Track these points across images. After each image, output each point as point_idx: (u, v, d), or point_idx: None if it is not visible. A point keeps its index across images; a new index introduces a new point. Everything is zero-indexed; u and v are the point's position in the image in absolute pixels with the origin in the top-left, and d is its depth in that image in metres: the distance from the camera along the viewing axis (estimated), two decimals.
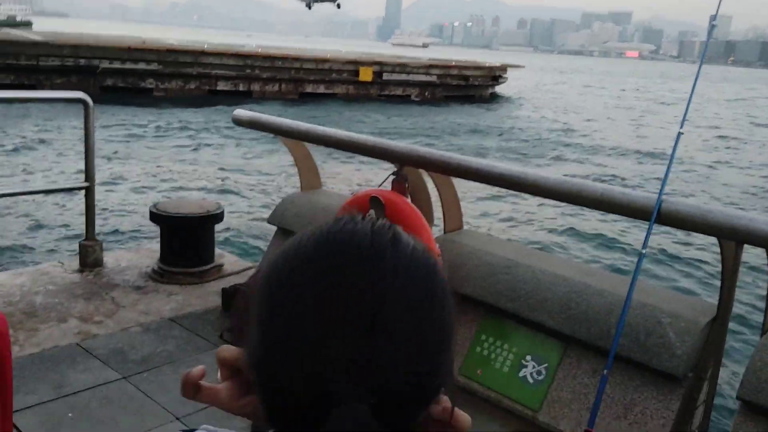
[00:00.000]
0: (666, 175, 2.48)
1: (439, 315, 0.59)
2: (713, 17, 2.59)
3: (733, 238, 2.27)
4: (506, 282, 2.98)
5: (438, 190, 3.31)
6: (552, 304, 2.82)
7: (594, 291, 2.79)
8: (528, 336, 2.89)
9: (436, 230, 3.41)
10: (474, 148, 20.54)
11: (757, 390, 2.19)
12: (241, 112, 3.89)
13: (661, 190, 2.36)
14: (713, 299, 2.66)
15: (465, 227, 3.50)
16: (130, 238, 8.02)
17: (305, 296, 0.57)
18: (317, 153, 4.14)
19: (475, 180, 2.99)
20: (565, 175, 3.01)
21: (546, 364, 2.79)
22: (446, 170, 3.08)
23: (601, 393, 2.14)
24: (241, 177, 12.66)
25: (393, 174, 3.30)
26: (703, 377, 2.48)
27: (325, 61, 31.67)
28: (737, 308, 2.47)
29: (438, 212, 3.48)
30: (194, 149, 15.96)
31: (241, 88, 29.27)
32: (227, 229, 8.13)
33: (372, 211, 3.19)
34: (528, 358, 2.84)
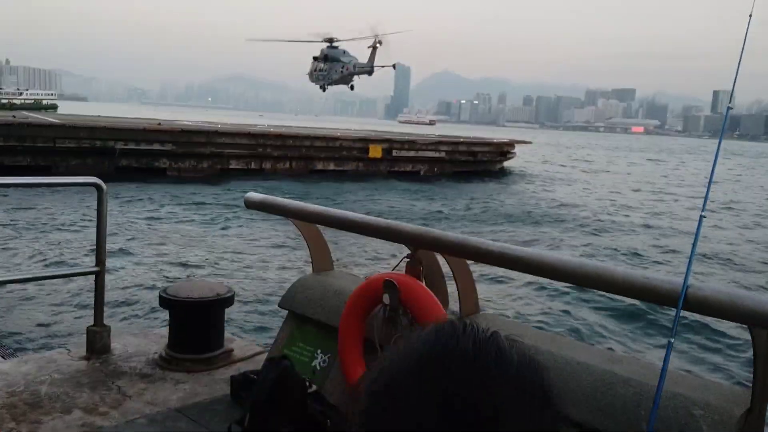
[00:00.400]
0: (690, 259, 2.41)
1: (549, 423, 0.58)
2: (729, 99, 2.58)
3: (765, 325, 2.17)
4: None
5: (453, 272, 3.24)
6: (577, 394, 2.68)
7: (621, 380, 2.66)
8: None
9: (452, 314, 3.31)
10: (489, 224, 20.55)
11: None
12: (253, 195, 3.88)
13: (686, 275, 2.28)
14: (747, 381, 2.52)
15: (482, 310, 3.40)
16: (139, 321, 7.93)
17: (414, 419, 0.55)
18: (329, 232, 4.10)
19: (491, 263, 2.93)
20: (585, 256, 2.94)
21: None
22: (461, 253, 3.02)
23: None
24: (252, 257, 12.61)
25: (407, 257, 3.24)
26: None
27: (335, 139, 32.33)
28: None
29: (453, 294, 3.39)
30: (206, 229, 16.03)
31: (252, 166, 29.80)
32: (238, 311, 8.02)
33: (386, 296, 3.12)
34: None
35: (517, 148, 40.23)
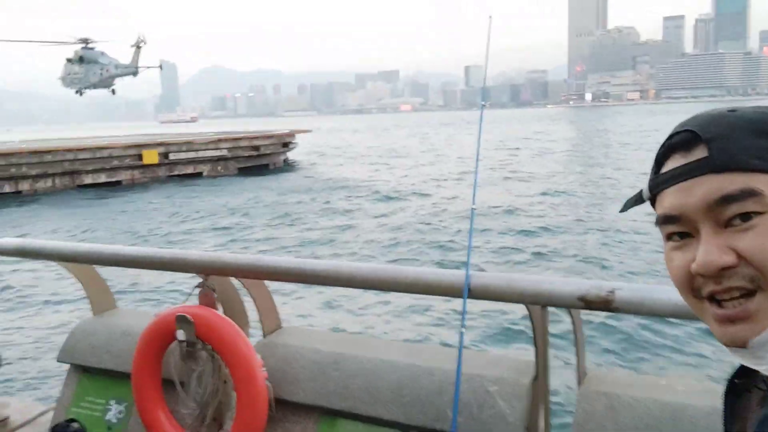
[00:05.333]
0: (468, 250, 2.59)
1: None
2: (481, 97, 2.79)
3: (538, 302, 2.40)
4: (336, 379, 2.87)
5: (250, 294, 3.13)
6: (385, 393, 2.75)
7: (423, 371, 2.78)
8: None
9: (257, 335, 3.21)
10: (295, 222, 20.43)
11: None
12: (6, 241, 3.38)
13: (467, 267, 2.44)
14: (531, 352, 2.77)
15: (284, 326, 3.34)
16: None
17: None
18: (107, 270, 3.73)
19: (286, 280, 2.88)
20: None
21: None
22: (255, 274, 2.92)
23: None
24: (15, 308, 10.76)
25: (198, 286, 3.06)
26: None
27: (102, 148, 29.83)
28: (555, 365, 2.63)
29: (254, 315, 3.28)
30: None
31: (7, 189, 26.42)
32: (10, 374, 6.92)
33: (180, 331, 2.92)
34: None
35: (299, 138, 40.62)
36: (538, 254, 14.19)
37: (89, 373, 3.37)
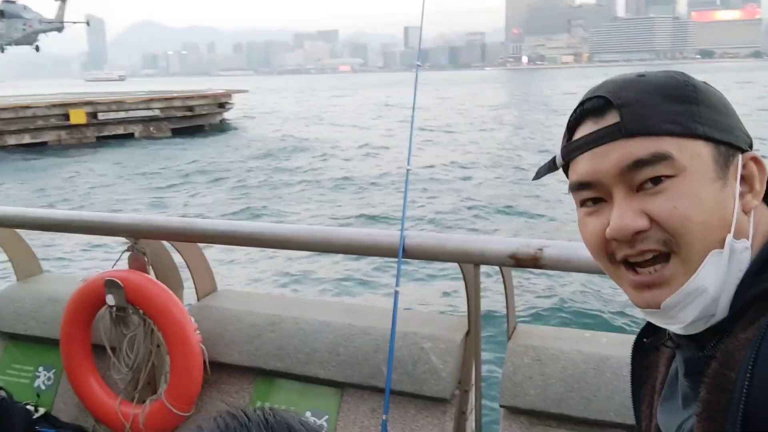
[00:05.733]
0: (403, 211, 2.60)
1: None
2: (417, 57, 2.79)
3: (470, 261, 2.46)
4: (272, 340, 2.87)
5: (183, 257, 3.07)
6: (321, 353, 2.78)
7: (359, 330, 2.82)
8: (303, 391, 2.82)
9: (192, 298, 3.16)
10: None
11: (514, 395, 2.40)
12: None
13: (402, 227, 2.46)
14: (463, 309, 2.84)
15: (220, 289, 3.31)
16: None
17: None
18: (33, 234, 3.59)
19: (221, 243, 2.84)
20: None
21: (326, 416, 2.75)
22: (188, 237, 2.87)
23: None
24: None
25: (128, 250, 2.98)
26: (468, 391, 2.65)
27: (25, 107, 28.30)
28: (487, 321, 2.70)
29: (189, 279, 3.23)
30: None
31: None
32: None
33: (110, 296, 2.85)
34: (308, 414, 2.77)
35: (235, 98, 39.62)
36: (474, 215, 14.49)
37: (16, 340, 3.27)
